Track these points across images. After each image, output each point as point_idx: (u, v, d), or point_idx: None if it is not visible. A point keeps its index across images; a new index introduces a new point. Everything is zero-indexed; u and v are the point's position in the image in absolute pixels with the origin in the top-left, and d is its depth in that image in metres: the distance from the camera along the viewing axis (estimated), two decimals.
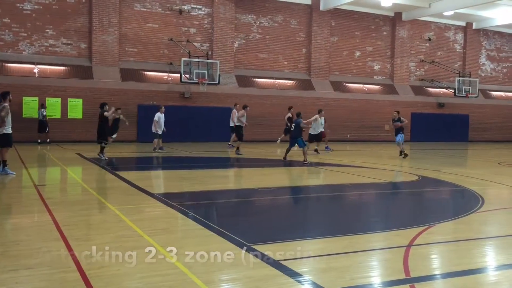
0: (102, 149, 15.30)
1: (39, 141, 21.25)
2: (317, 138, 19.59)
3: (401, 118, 18.51)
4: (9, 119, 11.26)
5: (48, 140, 21.63)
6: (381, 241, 6.24)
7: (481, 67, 34.17)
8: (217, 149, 20.36)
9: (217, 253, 5.31)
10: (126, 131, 23.30)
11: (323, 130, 20.29)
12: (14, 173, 11.34)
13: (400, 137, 18.29)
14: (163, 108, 19.09)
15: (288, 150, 16.23)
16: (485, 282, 4.85)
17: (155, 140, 18.72)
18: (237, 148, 18.18)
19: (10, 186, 10.11)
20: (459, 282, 4.69)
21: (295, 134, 15.86)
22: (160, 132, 18.62)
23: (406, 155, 18.14)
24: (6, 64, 22.18)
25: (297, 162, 15.80)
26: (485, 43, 34.22)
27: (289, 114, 21.39)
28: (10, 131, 11.36)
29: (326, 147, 20.98)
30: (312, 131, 19.42)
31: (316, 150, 19.04)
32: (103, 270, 4.66)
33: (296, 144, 15.97)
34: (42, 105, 21.63)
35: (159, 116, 18.58)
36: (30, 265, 4.78)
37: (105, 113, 15.26)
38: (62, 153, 17.36)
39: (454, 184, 11.62)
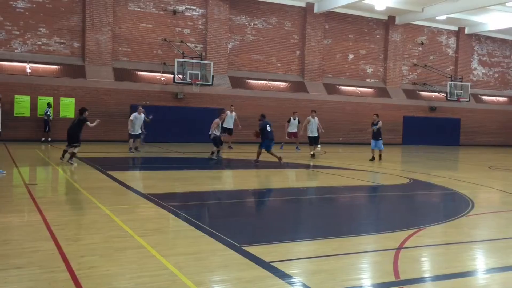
0: (73, 154, 14.02)
1: (43, 139, 21.65)
2: (315, 140, 19.48)
3: (379, 122, 18.03)
4: None
5: (49, 139, 21.68)
6: (372, 243, 6.27)
7: (473, 71, 34.41)
8: (210, 150, 20.31)
9: (207, 254, 5.32)
10: (117, 132, 23.25)
11: (295, 130, 20.94)
12: (5, 172, 11.27)
13: (376, 143, 17.96)
14: (141, 108, 18.60)
15: (270, 153, 15.81)
16: (474, 285, 4.89)
17: (130, 140, 18.43)
18: (213, 153, 17.27)
19: (0, 185, 10.04)
20: (448, 285, 4.73)
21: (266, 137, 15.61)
22: (135, 132, 18.20)
23: (374, 158, 18.04)
24: None
25: (287, 164, 15.82)
26: (477, 48, 34.48)
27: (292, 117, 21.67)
28: None
29: (297, 147, 21.36)
30: (310, 133, 19.39)
31: (312, 155, 18.58)
32: (93, 270, 4.64)
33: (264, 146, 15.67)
34: (48, 105, 21.79)
35: (136, 116, 18.10)
36: (19, 264, 4.76)
37: (90, 124, 14.27)
38: (54, 152, 17.26)
39: (444, 187, 11.69)
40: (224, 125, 20.16)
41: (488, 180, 13.40)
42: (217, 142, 16.98)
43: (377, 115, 18.46)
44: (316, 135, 19.60)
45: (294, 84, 28.17)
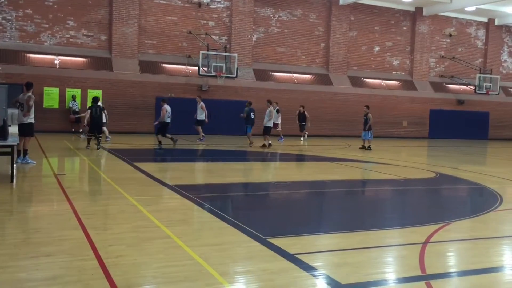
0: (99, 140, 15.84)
1: (73, 130, 22.15)
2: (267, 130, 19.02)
3: (368, 114, 18.88)
4: (32, 109, 11.50)
5: (80, 130, 21.78)
6: (397, 237, 6.23)
7: (502, 64, 33.61)
8: (234, 142, 20.42)
9: (232, 245, 5.37)
10: (143, 124, 23.54)
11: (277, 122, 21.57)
12: (35, 162, 11.55)
13: (364, 134, 19.18)
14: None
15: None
16: (501, 281, 4.81)
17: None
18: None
19: (30, 175, 10.30)
20: (475, 281, 4.67)
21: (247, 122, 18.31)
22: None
23: (364, 147, 19.29)
24: (28, 55, 22.51)
25: (310, 157, 15.77)
26: (507, 40, 33.62)
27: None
28: (33, 120, 11.61)
29: (280, 138, 21.80)
30: (269, 123, 19.02)
31: (264, 145, 18.28)
32: (120, 259, 4.73)
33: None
34: (73, 97, 22.22)
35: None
36: (50, 252, 4.89)
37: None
38: (81, 144, 17.58)
39: (472, 182, 11.50)
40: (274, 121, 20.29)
41: None
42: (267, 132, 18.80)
43: (367, 107, 19.50)
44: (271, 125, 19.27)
45: (318, 77, 28.00)
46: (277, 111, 21.70)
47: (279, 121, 22.22)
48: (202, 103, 20.03)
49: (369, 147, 19.23)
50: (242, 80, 25.79)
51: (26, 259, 4.68)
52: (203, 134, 20.22)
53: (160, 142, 17.02)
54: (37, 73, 21.76)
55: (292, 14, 27.52)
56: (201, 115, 20.04)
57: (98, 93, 22.94)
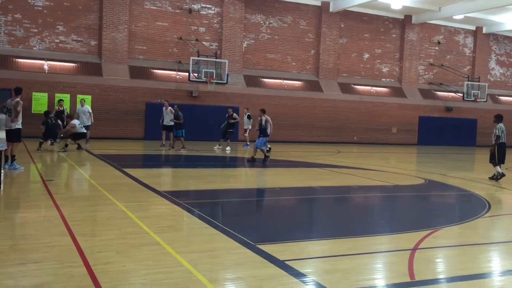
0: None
1: (61, 136, 21.58)
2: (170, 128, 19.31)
3: (234, 115, 19.24)
4: (20, 115, 11.40)
5: (61, 135, 21.66)
6: (386, 243, 6.25)
7: (490, 71, 33.99)
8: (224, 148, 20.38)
9: (222, 251, 5.35)
10: (132, 129, 23.46)
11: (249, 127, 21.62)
12: (23, 168, 11.44)
13: (260, 141, 15.78)
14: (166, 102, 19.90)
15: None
16: (490, 287, 4.84)
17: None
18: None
19: (18, 181, 10.20)
20: (463, 286, 4.69)
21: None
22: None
23: (253, 158, 15.71)
24: (17, 60, 22.35)
25: (300, 163, 15.79)
26: (495, 48, 34.04)
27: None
28: (21, 126, 11.49)
29: (246, 145, 21.72)
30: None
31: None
32: (109, 266, 4.70)
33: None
34: (59, 102, 21.99)
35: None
36: (37, 259, 4.83)
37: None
38: (70, 149, 17.44)
39: (460, 188, 11.58)
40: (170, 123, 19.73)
41: (505, 182, 13.23)
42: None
43: (246, 109, 20.43)
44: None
45: (308, 83, 28.11)
46: (248, 117, 21.76)
47: (249, 127, 22.05)
48: (170, 107, 19.38)
49: (266, 157, 15.83)
50: (233, 86, 25.81)
51: (13, 266, 4.62)
52: (170, 142, 19.34)
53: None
54: (26, 78, 21.61)
55: (283, 21, 27.64)
56: (169, 120, 19.10)
57: (88, 98, 22.82)
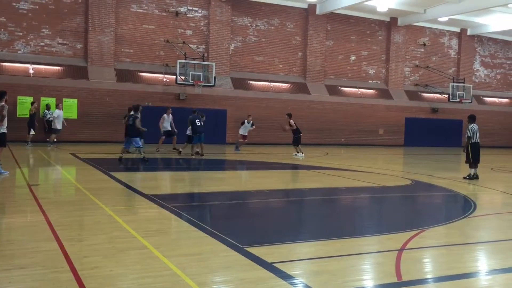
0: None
1: (48, 140, 21.22)
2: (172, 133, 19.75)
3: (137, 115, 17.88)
4: (5, 119, 11.27)
5: (55, 140, 21.36)
6: (374, 244, 6.28)
7: (475, 73, 34.39)
8: (212, 151, 20.35)
9: (210, 254, 5.34)
10: (119, 133, 23.28)
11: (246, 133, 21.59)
12: (8, 173, 11.31)
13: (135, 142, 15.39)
14: (60, 105, 21.18)
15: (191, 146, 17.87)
16: (476, 287, 4.89)
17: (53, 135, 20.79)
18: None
19: (3, 186, 10.07)
20: (450, 286, 4.73)
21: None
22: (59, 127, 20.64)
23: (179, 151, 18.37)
24: (1, 63, 22.11)
25: (288, 165, 15.81)
26: (480, 49, 34.46)
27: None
28: (5, 131, 11.36)
29: (237, 148, 21.74)
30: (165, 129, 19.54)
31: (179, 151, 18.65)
32: (96, 271, 4.66)
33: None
34: (47, 107, 21.97)
35: (58, 113, 20.57)
36: (23, 264, 4.78)
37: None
38: (56, 153, 17.30)
39: (446, 189, 11.69)
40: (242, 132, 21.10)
41: (490, 182, 13.39)
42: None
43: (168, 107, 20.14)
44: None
45: (296, 85, 28.19)
46: (251, 124, 21.71)
47: (246, 133, 22.00)
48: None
49: (144, 157, 15.26)
50: (220, 89, 25.79)
51: None
52: (176, 147, 19.66)
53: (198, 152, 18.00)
54: (11, 82, 21.35)
55: (270, 23, 27.70)
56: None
57: (74, 102, 22.65)
